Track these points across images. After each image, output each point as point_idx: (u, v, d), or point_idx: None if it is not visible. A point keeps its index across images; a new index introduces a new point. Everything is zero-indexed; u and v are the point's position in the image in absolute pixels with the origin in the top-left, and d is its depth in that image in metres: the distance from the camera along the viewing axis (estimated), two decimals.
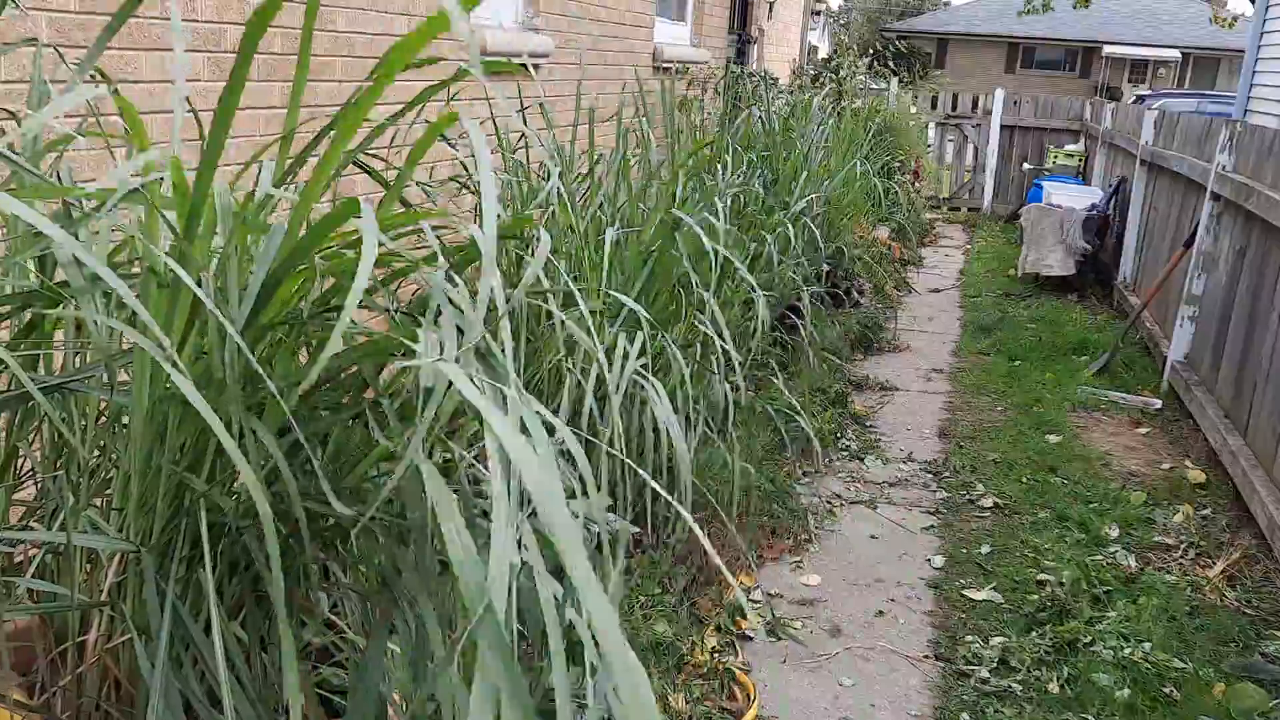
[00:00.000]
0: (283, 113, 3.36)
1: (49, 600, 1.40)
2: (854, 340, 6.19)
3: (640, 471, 1.50)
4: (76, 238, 1.32)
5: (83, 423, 1.53)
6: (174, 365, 1.04)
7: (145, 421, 1.32)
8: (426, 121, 2.23)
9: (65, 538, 1.25)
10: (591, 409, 2.79)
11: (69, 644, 1.38)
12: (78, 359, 1.66)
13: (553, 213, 3.30)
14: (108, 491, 1.60)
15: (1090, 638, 3.10)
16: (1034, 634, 3.16)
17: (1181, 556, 3.72)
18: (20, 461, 1.63)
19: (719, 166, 4.51)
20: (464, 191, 3.77)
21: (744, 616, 3.15)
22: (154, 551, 1.33)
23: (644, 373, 2.74)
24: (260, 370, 1.17)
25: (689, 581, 3.20)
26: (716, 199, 3.82)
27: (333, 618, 1.56)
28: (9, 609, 1.28)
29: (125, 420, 1.52)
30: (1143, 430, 5.08)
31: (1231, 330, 4.70)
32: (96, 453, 1.54)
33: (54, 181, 1.49)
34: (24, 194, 1.19)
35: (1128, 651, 3.01)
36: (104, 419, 1.59)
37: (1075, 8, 17.96)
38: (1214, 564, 3.64)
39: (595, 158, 3.81)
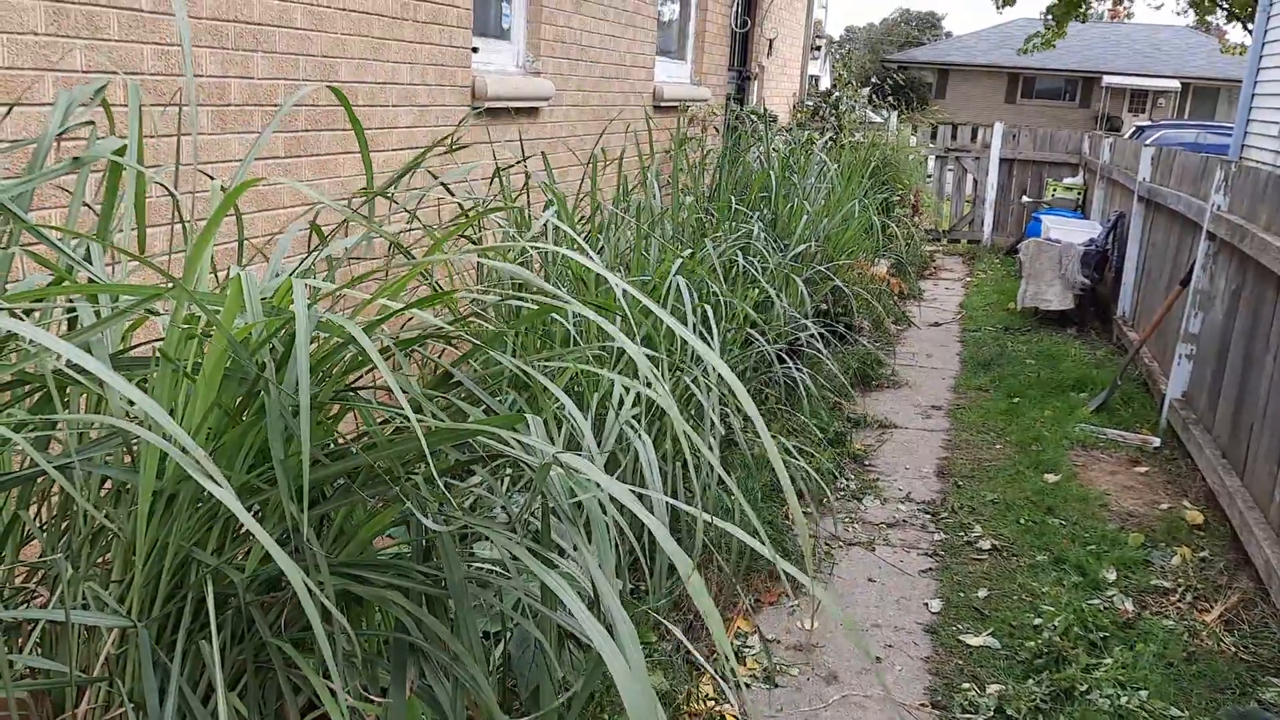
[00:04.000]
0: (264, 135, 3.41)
1: (45, 675, 1.43)
2: (853, 377, 6.21)
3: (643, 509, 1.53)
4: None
5: (86, 492, 1.56)
6: (204, 473, 1.07)
7: (155, 500, 1.35)
8: (432, 175, 2.27)
9: (63, 615, 1.27)
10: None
11: (65, 715, 1.40)
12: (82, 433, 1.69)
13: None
14: (109, 555, 1.63)
15: (1087, 685, 3.11)
16: (1031, 681, 3.16)
17: (1179, 600, 3.73)
18: (24, 527, 1.66)
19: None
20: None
21: (741, 663, 3.17)
22: (154, 625, 1.36)
23: (634, 423, 2.77)
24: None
25: (685, 628, 3.22)
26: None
27: (329, 684, 1.58)
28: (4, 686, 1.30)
29: (129, 487, 1.55)
30: (1141, 469, 5.10)
31: (1228, 370, 4.73)
32: (101, 515, 1.57)
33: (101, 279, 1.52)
34: (65, 290, 1.23)
35: (1124, 700, 3.02)
36: (108, 487, 1.62)
37: (1048, 44, 18.35)
38: (1212, 608, 3.65)
39: (597, 204, 3.86)
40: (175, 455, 1.08)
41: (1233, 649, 3.40)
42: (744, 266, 4.31)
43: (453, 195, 3.53)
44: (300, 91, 2.07)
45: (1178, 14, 28.31)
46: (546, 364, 2.32)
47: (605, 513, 1.23)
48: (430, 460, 1.41)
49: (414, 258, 1.83)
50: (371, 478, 1.40)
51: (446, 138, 2.50)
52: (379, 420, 1.44)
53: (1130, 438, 5.47)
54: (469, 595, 1.36)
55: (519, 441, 1.26)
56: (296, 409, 1.45)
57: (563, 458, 1.10)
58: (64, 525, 1.70)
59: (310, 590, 1.14)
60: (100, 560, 1.64)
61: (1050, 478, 4.89)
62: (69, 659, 1.38)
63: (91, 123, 1.94)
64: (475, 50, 4.61)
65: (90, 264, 1.50)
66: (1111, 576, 3.88)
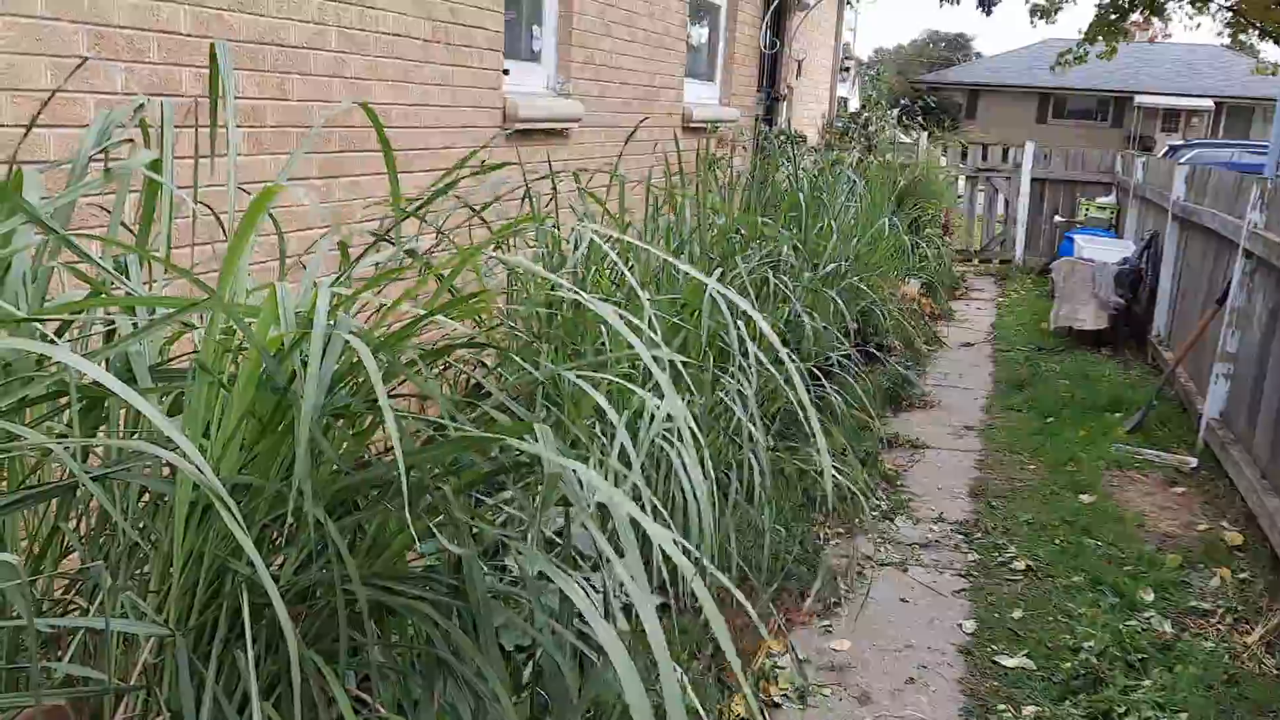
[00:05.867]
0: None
1: (84, 683, 1.45)
2: (884, 397, 6.18)
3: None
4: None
5: (124, 503, 1.58)
6: (220, 501, 1.08)
7: (191, 510, 1.36)
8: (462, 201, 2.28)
9: (103, 623, 1.29)
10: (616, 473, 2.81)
11: None
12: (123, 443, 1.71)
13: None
14: (146, 567, 1.65)
15: (1125, 708, 3.06)
16: (1067, 703, 3.12)
17: (1219, 622, 3.67)
18: (63, 538, 1.68)
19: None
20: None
21: (773, 683, 3.14)
22: (190, 634, 1.37)
23: (669, 436, 2.77)
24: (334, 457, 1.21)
25: (716, 647, 3.20)
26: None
27: (362, 695, 1.59)
28: (44, 694, 1.32)
29: (167, 498, 1.57)
30: (1178, 490, 5.02)
31: (1267, 389, 4.66)
32: (137, 532, 1.59)
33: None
34: (102, 302, 1.25)
35: None
36: (146, 498, 1.64)
37: (1101, 59, 18.24)
38: (1253, 630, 3.59)
39: (626, 223, 3.87)
40: (198, 479, 1.10)
41: (1275, 671, 3.33)
42: (775, 286, 4.31)
43: (483, 220, 3.55)
44: (333, 110, 2.11)
45: (1217, 34, 27.98)
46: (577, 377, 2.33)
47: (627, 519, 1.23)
48: (456, 470, 1.41)
49: (442, 274, 1.85)
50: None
51: (473, 154, 2.52)
52: (411, 432, 1.46)
53: (1167, 458, 5.40)
54: (491, 610, 1.36)
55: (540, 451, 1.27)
56: (325, 423, 1.47)
57: (581, 472, 1.11)
58: (102, 538, 1.72)
59: (299, 645, 1.14)
60: (138, 571, 1.66)
61: (1085, 498, 4.83)
62: (108, 667, 1.39)
63: (130, 140, 1.98)
64: (506, 72, 4.65)
65: (127, 279, 1.53)
66: (1149, 598, 3.82)
